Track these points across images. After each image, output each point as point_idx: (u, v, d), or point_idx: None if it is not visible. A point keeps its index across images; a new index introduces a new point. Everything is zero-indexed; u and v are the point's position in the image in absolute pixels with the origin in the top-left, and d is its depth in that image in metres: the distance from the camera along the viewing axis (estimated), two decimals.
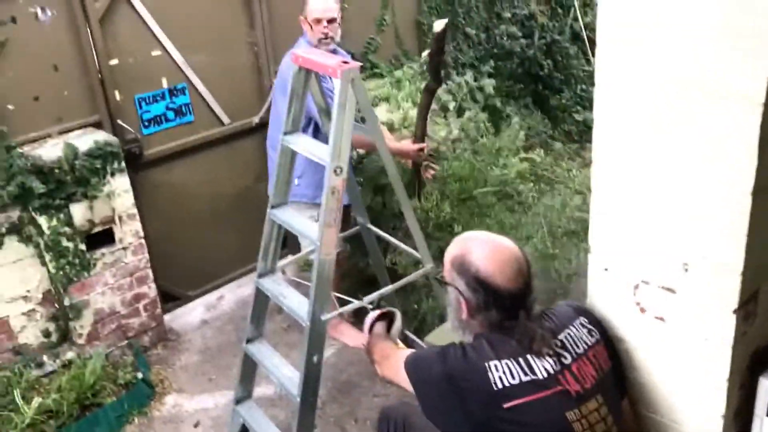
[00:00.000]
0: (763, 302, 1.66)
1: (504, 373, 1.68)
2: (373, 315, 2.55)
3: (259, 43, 4.43)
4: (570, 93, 6.09)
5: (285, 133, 2.87)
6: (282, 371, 2.91)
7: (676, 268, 1.64)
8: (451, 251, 1.84)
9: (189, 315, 4.45)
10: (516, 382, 1.67)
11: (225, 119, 4.44)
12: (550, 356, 1.71)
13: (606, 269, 1.80)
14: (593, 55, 5.95)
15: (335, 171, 2.62)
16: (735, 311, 1.57)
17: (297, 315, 2.80)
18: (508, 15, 5.85)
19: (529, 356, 1.70)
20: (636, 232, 1.70)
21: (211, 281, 4.66)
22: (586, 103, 5.94)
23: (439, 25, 3.36)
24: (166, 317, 4.30)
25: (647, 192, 1.64)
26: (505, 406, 1.65)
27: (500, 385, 1.66)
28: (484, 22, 5.78)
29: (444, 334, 2.89)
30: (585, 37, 6.11)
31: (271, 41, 4.46)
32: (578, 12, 6.16)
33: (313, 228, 2.76)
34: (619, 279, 1.78)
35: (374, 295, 2.96)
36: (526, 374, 1.68)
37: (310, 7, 3.53)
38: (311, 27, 3.54)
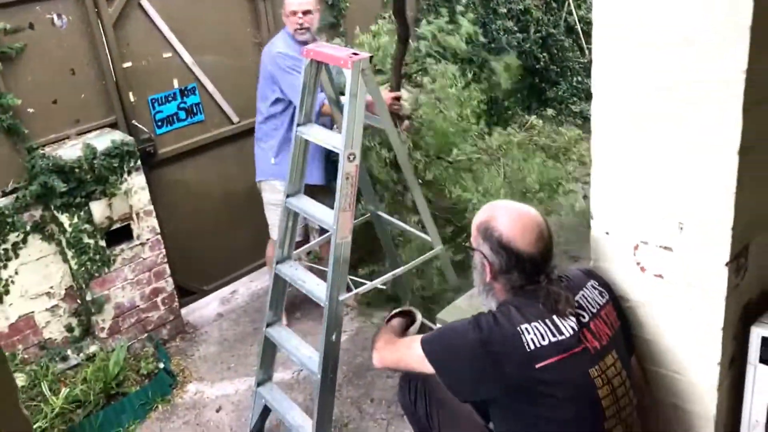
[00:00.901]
0: (753, 256, 1.80)
1: (534, 335, 1.77)
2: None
3: (264, 43, 4.57)
4: (566, 85, 6.24)
5: (298, 125, 3.01)
6: (302, 352, 3.05)
7: (672, 228, 1.78)
8: (478, 218, 1.92)
9: (205, 309, 4.59)
10: (546, 342, 1.76)
11: (234, 118, 4.59)
12: (572, 316, 1.81)
13: (607, 233, 1.94)
14: (588, 46, 6.11)
15: (348, 158, 2.77)
16: (727, 264, 1.71)
17: (315, 297, 2.94)
18: (503, 10, 6.00)
19: (555, 317, 1.80)
20: (633, 196, 1.84)
21: (225, 276, 4.80)
22: (583, 95, 6.09)
23: None
24: (183, 311, 4.44)
25: (642, 158, 1.79)
26: (537, 366, 1.75)
27: (532, 347, 1.76)
28: (481, 17, 5.92)
29: (455, 311, 3.04)
30: (579, 30, 6.27)
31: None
32: (572, 5, 6.31)
33: (329, 213, 2.90)
34: (619, 241, 1.92)
35: (387, 277, 3.10)
36: (554, 335, 1.78)
37: (286, 1, 3.78)
38: (287, 17, 3.78)
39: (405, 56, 3.80)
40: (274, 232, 3.94)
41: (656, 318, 1.92)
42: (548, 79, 6.22)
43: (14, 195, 3.63)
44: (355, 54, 2.75)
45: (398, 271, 3.18)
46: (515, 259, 1.84)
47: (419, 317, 2.53)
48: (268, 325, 3.22)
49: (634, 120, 1.78)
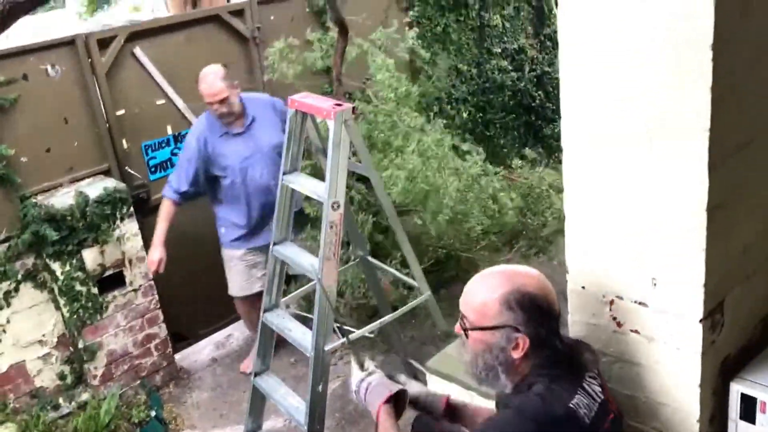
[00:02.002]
0: (730, 310, 1.78)
1: (583, 407, 1.64)
2: (369, 384, 2.04)
3: (258, 88, 4.62)
4: None
5: (284, 173, 3.03)
6: (289, 401, 3.03)
7: (646, 283, 1.76)
8: (497, 291, 1.69)
9: (199, 354, 4.57)
10: (593, 413, 1.65)
11: None
12: (594, 378, 1.72)
13: (583, 287, 1.92)
14: None
15: (333, 206, 2.77)
16: (701, 321, 1.69)
17: (302, 346, 2.92)
18: (498, 50, 6.06)
19: (584, 384, 1.70)
20: (607, 250, 1.83)
21: (220, 321, 4.77)
22: None
23: None
24: (177, 356, 4.42)
25: (614, 212, 1.77)
26: None
27: (587, 420, 1.63)
28: (476, 57, 5.98)
29: (445, 360, 3.01)
30: None
31: (270, 88, 4.64)
32: None
33: (313, 261, 2.90)
34: (595, 296, 1.90)
35: (374, 325, 3.08)
36: (594, 401, 1.67)
37: (200, 90, 3.76)
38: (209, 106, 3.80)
39: (345, 50, 4.12)
40: (233, 289, 4.16)
41: (635, 374, 1.89)
42: (544, 117, 6.25)
43: (6, 244, 3.65)
44: (338, 105, 2.77)
45: (386, 318, 3.16)
46: (555, 323, 1.71)
47: (407, 394, 2.05)
48: (256, 375, 3.20)
49: (604, 174, 1.78)
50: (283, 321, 3.10)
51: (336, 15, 3.95)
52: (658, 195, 1.67)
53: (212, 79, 3.68)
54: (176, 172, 3.84)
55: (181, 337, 4.56)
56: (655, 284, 1.75)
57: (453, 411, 2.12)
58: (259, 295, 3.47)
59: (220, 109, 3.71)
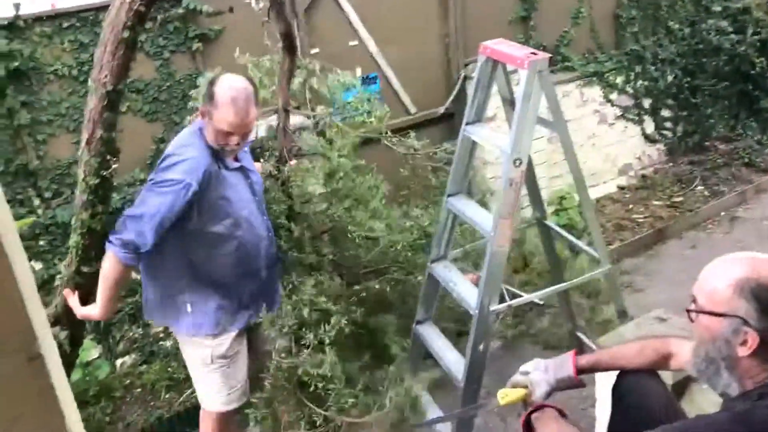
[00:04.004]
0: None
1: None
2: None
3: (450, 34, 4.51)
4: None
5: (467, 123, 2.91)
6: (447, 355, 2.97)
7: None
8: (732, 275, 1.52)
9: None
10: None
11: (412, 108, 4.58)
12: None
13: None
14: None
15: (515, 162, 2.62)
16: None
17: (466, 303, 2.84)
18: (718, 8, 5.43)
19: None
20: None
21: None
22: None
23: None
24: None
25: None
26: None
27: None
28: (690, 15, 5.41)
29: (618, 338, 2.80)
30: None
31: (462, 34, 4.52)
32: None
33: (488, 218, 2.78)
34: None
35: (547, 291, 2.92)
36: None
37: (218, 114, 2.37)
38: (214, 131, 2.42)
39: (293, 70, 2.88)
40: (212, 402, 2.70)
41: None
42: (764, 87, 5.55)
43: None
44: (533, 54, 2.58)
45: (560, 286, 2.99)
46: None
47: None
48: (417, 323, 3.18)
49: None
50: (449, 274, 3.03)
51: (282, 24, 2.73)
52: None
53: (245, 104, 2.37)
54: (143, 222, 2.32)
55: None
56: None
57: (585, 369, 2.08)
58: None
59: (239, 145, 2.46)
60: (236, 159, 2.59)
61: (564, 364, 2.09)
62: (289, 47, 2.84)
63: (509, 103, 3.02)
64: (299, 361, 2.52)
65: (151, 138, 3.81)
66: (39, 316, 0.61)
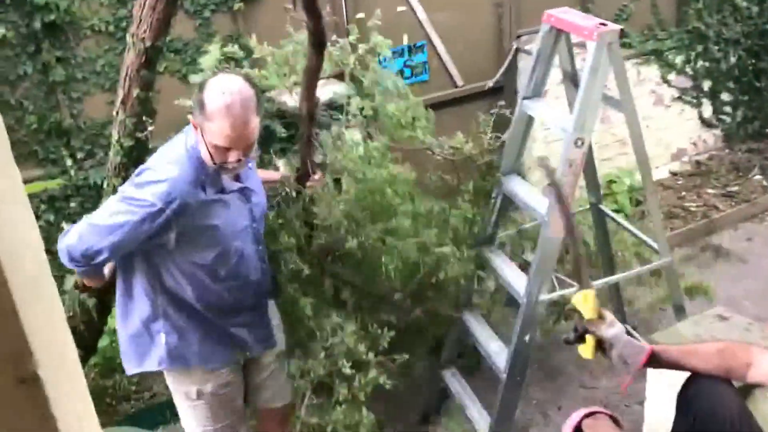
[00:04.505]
0: None
1: None
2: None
3: (504, 3, 4.28)
4: None
5: (524, 98, 2.71)
6: (491, 345, 2.82)
7: None
8: None
9: None
10: None
11: (459, 81, 4.34)
12: None
13: None
14: None
15: (576, 142, 2.42)
16: None
17: (513, 290, 2.67)
18: None
19: None
20: None
21: None
22: None
23: None
24: None
25: None
26: None
27: None
28: None
29: (674, 336, 2.61)
30: None
31: (516, 3, 4.28)
32: None
33: (543, 201, 2.59)
34: None
35: (600, 282, 2.73)
36: None
37: (211, 126, 1.95)
38: (209, 147, 1.99)
39: (320, 69, 2.40)
40: None
41: None
42: None
43: None
44: (603, 24, 2.37)
45: (616, 277, 2.80)
46: None
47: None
48: (464, 309, 3.02)
49: None
50: (497, 258, 2.86)
51: (315, 24, 2.21)
52: None
53: (242, 111, 1.93)
54: (101, 235, 1.99)
55: None
56: None
57: (655, 358, 1.87)
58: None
59: (238, 161, 2.00)
60: (237, 177, 2.17)
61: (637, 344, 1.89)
62: (318, 44, 2.26)
63: (570, 77, 2.81)
64: (330, 420, 2.25)
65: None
66: (41, 325, 0.45)
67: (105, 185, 2.28)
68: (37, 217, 3.38)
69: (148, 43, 2.05)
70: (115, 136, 2.20)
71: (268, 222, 2.42)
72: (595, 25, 2.35)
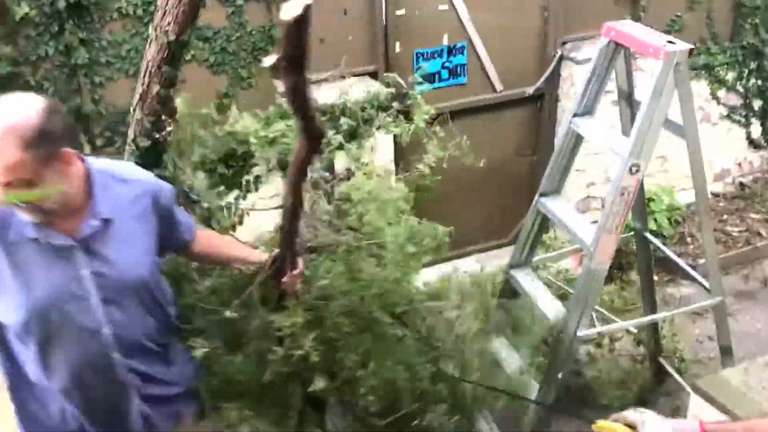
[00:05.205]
0: None
1: None
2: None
3: (550, 7, 4.05)
4: None
5: (575, 115, 2.50)
6: (519, 379, 2.62)
7: None
8: None
9: (420, 280, 4.32)
10: None
11: (498, 86, 4.16)
12: None
13: None
14: None
15: (631, 169, 2.22)
16: None
17: (547, 320, 2.48)
18: None
19: None
20: None
21: (452, 249, 4.46)
22: None
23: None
24: None
25: None
26: None
27: None
28: None
29: (721, 384, 2.39)
30: None
31: (564, 7, 4.05)
32: None
33: (588, 229, 2.39)
34: None
35: (643, 320, 2.53)
36: None
37: None
38: None
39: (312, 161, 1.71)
40: None
41: None
42: None
43: None
44: (671, 42, 2.15)
45: (661, 315, 2.59)
46: None
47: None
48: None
49: None
50: (531, 283, 2.67)
51: (304, 117, 1.54)
52: None
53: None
54: None
55: None
56: None
57: None
58: None
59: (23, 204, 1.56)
60: (72, 227, 1.64)
61: (686, 423, 1.69)
62: (310, 138, 1.57)
63: (626, 97, 2.59)
64: None
65: (215, 93, 3.49)
66: None
67: None
68: None
69: (171, 37, 1.87)
70: (130, 135, 2.03)
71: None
72: (663, 43, 2.14)
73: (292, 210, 1.79)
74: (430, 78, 3.98)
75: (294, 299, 1.89)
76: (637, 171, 2.23)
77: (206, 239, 1.97)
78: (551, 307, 2.53)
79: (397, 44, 3.81)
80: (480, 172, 4.30)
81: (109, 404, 1.79)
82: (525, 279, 2.71)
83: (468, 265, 4.43)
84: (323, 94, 3.52)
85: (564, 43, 4.17)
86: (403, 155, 3.93)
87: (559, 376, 2.44)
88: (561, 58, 4.16)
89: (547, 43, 4.15)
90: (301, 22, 1.30)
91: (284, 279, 1.85)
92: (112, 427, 1.81)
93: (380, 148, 3.71)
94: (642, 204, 2.88)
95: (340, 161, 3.40)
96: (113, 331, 1.69)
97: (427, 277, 4.33)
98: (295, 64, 1.36)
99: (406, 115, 3.94)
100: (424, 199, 4.09)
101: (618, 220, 2.28)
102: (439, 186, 4.19)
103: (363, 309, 1.93)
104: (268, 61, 1.39)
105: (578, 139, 2.54)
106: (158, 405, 1.84)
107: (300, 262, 1.88)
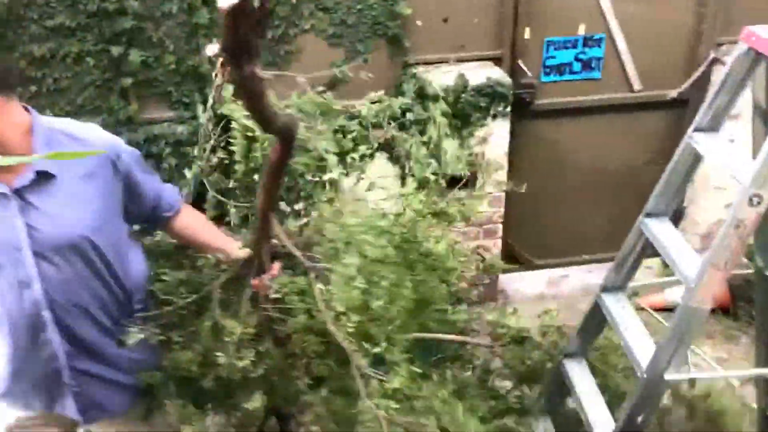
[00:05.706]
0: None
1: None
2: None
3: (708, 3, 3.62)
4: None
5: (695, 129, 2.18)
6: (594, 410, 2.38)
7: None
8: None
9: (526, 283, 4.11)
10: None
11: (636, 85, 3.80)
12: None
13: None
14: None
15: (751, 199, 1.90)
16: None
17: (633, 357, 2.21)
18: None
19: None
20: None
21: (562, 256, 4.21)
22: None
23: None
24: (502, 278, 4.00)
25: None
26: None
27: None
28: None
29: None
30: None
31: (724, 5, 3.61)
32: None
33: (693, 260, 2.09)
34: None
35: (753, 372, 2.19)
36: None
37: None
38: None
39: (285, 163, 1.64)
40: None
41: None
42: None
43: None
44: None
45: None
46: None
47: None
48: (566, 355, 2.59)
49: None
50: (621, 311, 2.39)
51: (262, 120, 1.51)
52: None
53: None
54: None
55: (513, 259, 4.13)
56: None
57: None
58: None
59: None
60: (11, 177, 1.63)
61: None
62: (283, 139, 1.52)
63: (762, 114, 2.23)
64: None
65: (329, 64, 3.44)
66: None
67: None
68: (161, 160, 3.35)
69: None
70: (210, 101, 2.00)
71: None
72: None
73: (263, 216, 1.71)
74: (560, 69, 3.73)
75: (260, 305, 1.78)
76: (759, 203, 1.90)
77: (192, 219, 1.93)
78: (639, 343, 2.26)
79: (527, 30, 3.57)
80: (606, 177, 4.02)
81: (41, 372, 1.76)
82: (615, 305, 2.44)
83: (578, 275, 4.17)
84: (440, 77, 3.39)
85: (719, 45, 3.72)
86: (519, 149, 3.72)
87: (639, 419, 2.17)
88: (714, 61, 3.72)
89: (700, 43, 3.73)
90: (239, 11, 1.15)
91: (254, 281, 1.77)
92: (43, 399, 1.79)
93: (494, 140, 3.52)
94: (766, 238, 2.49)
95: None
96: (44, 287, 1.67)
97: (534, 279, 4.14)
98: (238, 57, 1.22)
99: (528, 105, 3.72)
100: (539, 196, 3.87)
101: (728, 255, 1.96)
102: (567, 187, 3.98)
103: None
104: (210, 50, 1.26)
105: (696, 158, 2.22)
106: (94, 386, 1.80)
107: (275, 266, 1.77)
